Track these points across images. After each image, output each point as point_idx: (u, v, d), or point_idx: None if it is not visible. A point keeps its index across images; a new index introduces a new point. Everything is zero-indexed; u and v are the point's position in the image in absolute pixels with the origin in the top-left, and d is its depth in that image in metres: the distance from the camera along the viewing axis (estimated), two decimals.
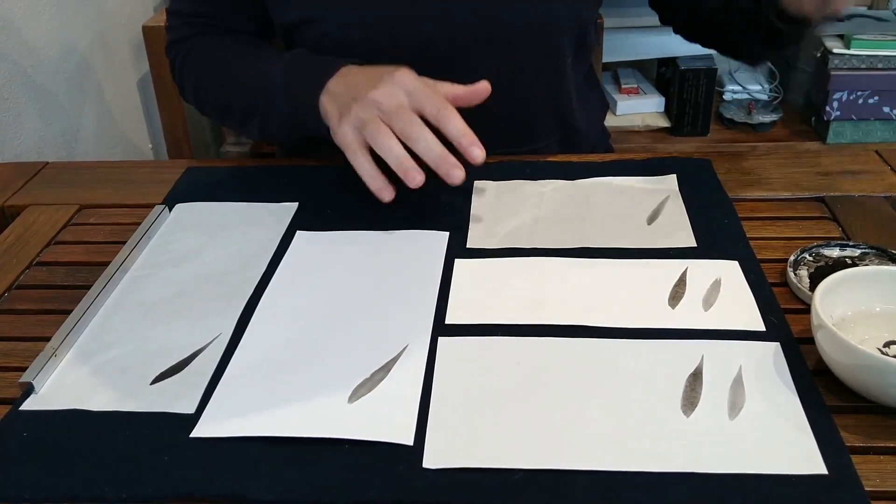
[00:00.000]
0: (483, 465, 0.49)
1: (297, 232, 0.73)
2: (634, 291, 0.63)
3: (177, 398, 0.55)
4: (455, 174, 0.66)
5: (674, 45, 1.69)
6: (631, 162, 0.81)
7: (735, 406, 0.52)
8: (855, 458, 0.48)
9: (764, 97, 1.80)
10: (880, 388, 0.50)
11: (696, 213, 0.72)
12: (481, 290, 0.64)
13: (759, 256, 0.66)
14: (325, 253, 0.69)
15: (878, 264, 0.64)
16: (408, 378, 0.55)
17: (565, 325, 0.59)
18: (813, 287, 0.60)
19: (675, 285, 0.63)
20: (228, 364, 0.58)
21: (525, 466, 0.48)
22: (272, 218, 0.75)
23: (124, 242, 0.71)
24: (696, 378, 0.54)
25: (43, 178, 0.85)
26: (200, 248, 0.71)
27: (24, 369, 0.57)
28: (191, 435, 0.52)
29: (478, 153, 0.67)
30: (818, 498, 0.46)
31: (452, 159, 0.67)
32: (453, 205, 0.73)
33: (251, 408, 0.54)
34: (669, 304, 0.61)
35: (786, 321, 0.59)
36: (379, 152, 0.68)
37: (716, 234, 0.69)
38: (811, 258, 0.65)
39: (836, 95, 1.64)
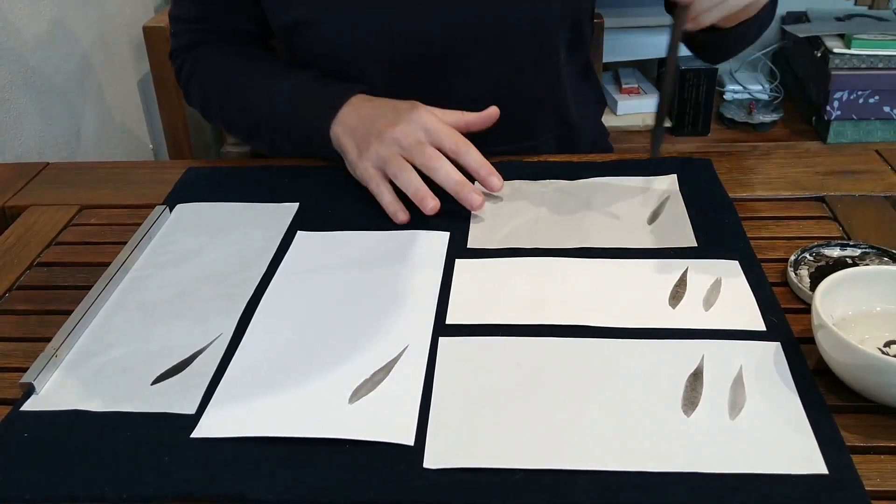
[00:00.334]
0: (483, 465, 0.49)
1: (298, 232, 0.73)
2: (635, 291, 0.63)
3: (177, 399, 0.55)
4: (474, 199, 0.72)
5: None
6: (631, 162, 0.81)
7: (735, 406, 0.52)
8: (855, 458, 0.48)
9: (764, 97, 1.80)
10: (881, 388, 0.50)
11: (696, 212, 0.72)
12: (482, 291, 0.64)
13: (759, 256, 0.66)
14: (325, 253, 0.69)
15: (878, 264, 0.64)
16: (408, 378, 0.55)
17: (566, 325, 0.59)
18: (813, 287, 0.60)
19: (676, 285, 0.63)
20: (229, 364, 0.58)
21: (525, 466, 0.48)
22: (273, 218, 0.75)
23: (125, 243, 0.71)
24: (696, 378, 0.54)
25: (44, 178, 0.85)
26: (201, 249, 0.71)
27: (24, 370, 0.57)
28: (191, 435, 0.52)
29: (496, 182, 0.73)
30: (819, 498, 0.46)
31: (471, 185, 0.72)
32: (454, 205, 0.73)
33: (252, 408, 0.54)
34: (670, 304, 0.61)
35: (786, 321, 0.59)
36: (399, 185, 0.72)
37: (716, 233, 0.69)
38: (812, 258, 0.65)
39: (837, 95, 1.64)
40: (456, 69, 0.82)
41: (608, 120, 1.64)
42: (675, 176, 0.78)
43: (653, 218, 0.72)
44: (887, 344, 0.55)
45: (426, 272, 0.66)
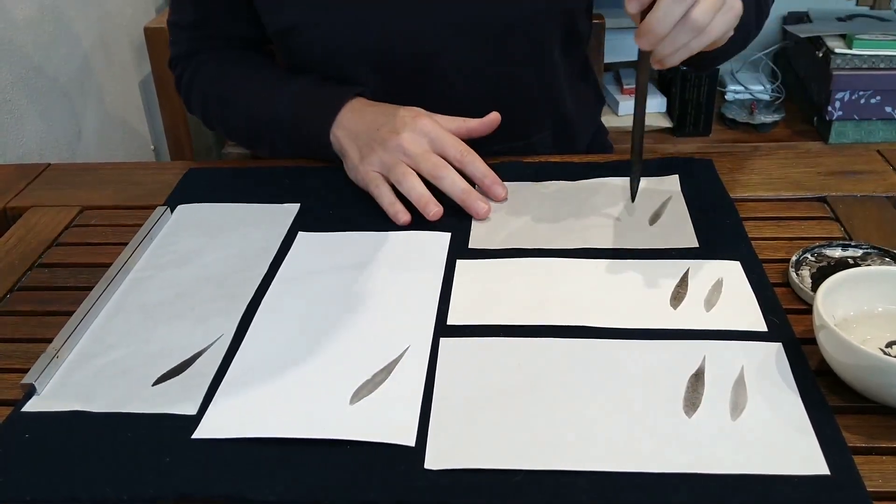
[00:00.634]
0: (484, 465, 0.49)
1: (299, 233, 0.73)
2: (636, 292, 0.63)
3: (178, 399, 0.55)
4: (480, 207, 0.73)
5: None
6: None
7: (737, 407, 0.52)
8: (857, 459, 0.48)
9: (766, 97, 1.80)
10: (882, 389, 0.50)
11: (697, 213, 0.72)
12: (483, 291, 0.64)
13: (760, 256, 0.66)
14: (326, 254, 0.69)
15: (879, 264, 0.64)
16: (409, 379, 0.55)
17: (567, 326, 0.59)
18: (815, 287, 0.60)
19: (677, 286, 0.63)
20: (230, 365, 0.58)
21: (526, 467, 0.48)
22: (273, 219, 0.75)
23: (126, 244, 0.71)
24: (697, 378, 0.54)
25: (45, 179, 0.85)
26: (202, 250, 0.71)
27: (25, 371, 0.57)
28: (192, 436, 0.52)
29: (500, 191, 0.75)
30: (820, 498, 0.46)
31: (476, 193, 0.74)
32: (455, 205, 0.73)
33: (253, 409, 0.54)
34: (671, 305, 0.61)
35: (788, 321, 0.59)
36: (402, 190, 0.73)
37: (718, 234, 0.69)
38: (813, 258, 0.65)
39: (838, 95, 1.64)
40: (451, 69, 0.82)
41: (609, 120, 1.65)
42: (676, 176, 0.78)
43: (654, 218, 0.72)
44: (889, 344, 0.55)
45: (427, 273, 0.66)
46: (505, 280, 0.65)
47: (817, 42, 1.68)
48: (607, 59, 1.62)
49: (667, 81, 1.77)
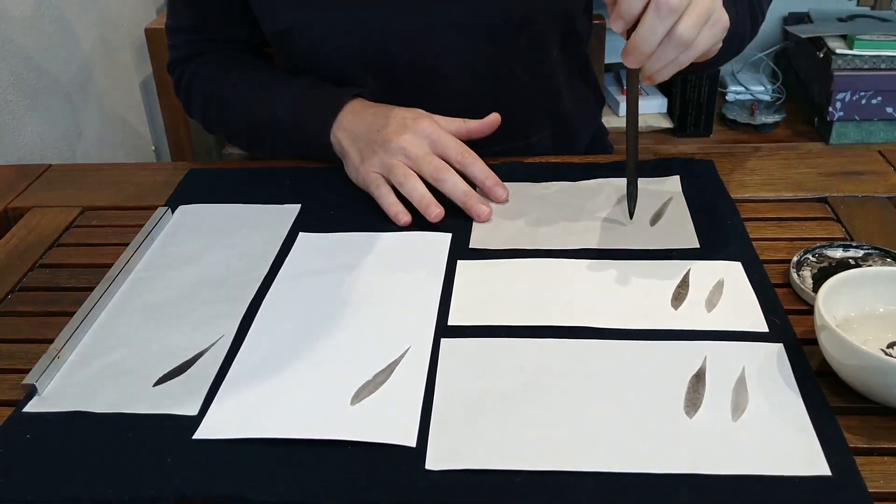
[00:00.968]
0: (485, 466, 0.49)
1: (300, 234, 0.73)
2: (637, 292, 0.63)
3: (179, 400, 0.55)
4: (482, 209, 0.73)
5: None
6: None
7: (738, 407, 0.52)
8: (858, 460, 0.48)
9: (766, 98, 1.80)
10: (884, 390, 0.50)
11: (698, 213, 0.72)
12: (484, 292, 0.64)
13: (761, 257, 0.66)
14: (327, 255, 0.69)
15: (881, 265, 0.64)
16: (410, 380, 0.55)
17: (568, 327, 0.59)
18: (816, 288, 0.60)
19: (678, 286, 0.63)
20: (231, 366, 0.58)
21: (527, 468, 0.48)
22: (274, 220, 0.75)
23: (127, 244, 0.71)
24: (698, 379, 0.54)
25: (46, 180, 0.85)
26: (203, 250, 0.71)
27: (27, 371, 0.57)
28: (193, 436, 0.52)
29: (501, 193, 0.75)
30: (821, 499, 0.46)
31: (477, 196, 0.74)
32: (456, 206, 0.73)
33: (254, 410, 0.54)
34: (672, 305, 0.61)
35: (789, 322, 0.59)
36: (403, 192, 0.73)
37: (719, 234, 0.69)
38: (814, 259, 0.65)
39: (839, 96, 1.64)
40: (449, 69, 0.82)
41: (610, 121, 1.64)
42: (677, 177, 0.78)
43: (655, 219, 0.72)
44: (890, 345, 0.55)
45: (428, 273, 0.66)
46: (506, 281, 0.65)
47: (818, 42, 1.68)
48: (608, 60, 1.62)
49: (667, 82, 1.77)
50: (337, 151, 0.80)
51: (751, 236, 0.69)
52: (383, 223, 0.73)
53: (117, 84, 1.42)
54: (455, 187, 0.73)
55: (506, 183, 0.76)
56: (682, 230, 0.70)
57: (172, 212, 0.77)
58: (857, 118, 1.66)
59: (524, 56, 0.85)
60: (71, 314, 0.62)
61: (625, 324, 0.59)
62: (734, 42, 0.74)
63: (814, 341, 0.55)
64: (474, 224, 0.73)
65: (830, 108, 1.65)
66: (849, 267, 0.63)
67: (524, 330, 0.59)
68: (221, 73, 0.88)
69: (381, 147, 0.75)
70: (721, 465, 0.48)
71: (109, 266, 0.68)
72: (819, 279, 0.62)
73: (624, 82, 1.81)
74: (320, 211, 0.76)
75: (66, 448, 0.51)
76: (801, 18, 1.82)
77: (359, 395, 0.54)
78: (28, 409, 0.55)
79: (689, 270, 0.65)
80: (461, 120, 0.78)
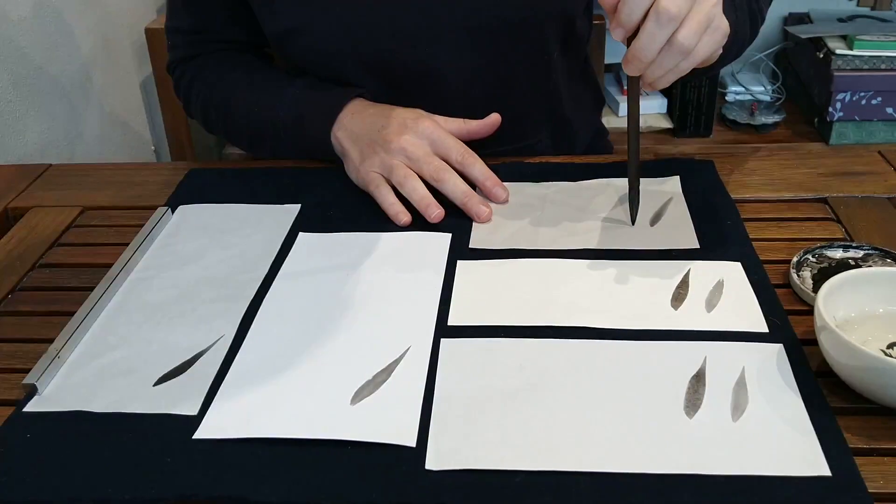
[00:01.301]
0: (485, 466, 0.49)
1: (300, 234, 0.73)
2: (637, 293, 0.63)
3: (180, 400, 0.55)
4: (482, 210, 0.73)
5: None
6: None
7: (738, 408, 0.52)
8: (858, 460, 0.48)
9: (766, 98, 1.80)
10: (883, 390, 0.50)
11: (698, 214, 0.72)
12: (483, 292, 0.64)
13: (761, 258, 0.66)
14: (327, 255, 0.69)
15: (881, 265, 0.64)
16: (410, 380, 0.55)
17: (568, 327, 0.59)
18: (816, 288, 0.60)
19: (678, 286, 0.63)
20: (231, 366, 0.58)
21: (527, 468, 0.48)
22: (274, 220, 0.75)
23: (127, 244, 0.71)
24: (698, 380, 0.54)
25: (46, 180, 0.85)
26: (203, 250, 0.71)
27: (27, 371, 0.57)
28: (193, 436, 0.52)
29: (501, 194, 0.75)
30: (821, 500, 0.46)
31: (478, 197, 0.74)
32: (455, 206, 0.73)
33: (254, 409, 0.54)
34: (672, 306, 0.61)
35: (789, 323, 0.59)
36: (403, 192, 0.73)
37: (719, 235, 0.69)
38: (814, 259, 0.65)
39: (839, 96, 1.64)
40: (449, 71, 0.82)
41: (610, 121, 1.64)
42: (677, 178, 0.78)
43: (655, 219, 0.72)
44: (890, 346, 0.55)
45: (428, 273, 0.66)
46: (506, 281, 0.65)
47: (818, 43, 1.68)
48: (608, 60, 1.62)
49: None
50: (337, 151, 0.80)
51: (751, 237, 0.69)
52: (383, 223, 0.73)
53: (117, 84, 1.42)
54: (455, 188, 0.73)
55: (506, 183, 0.76)
56: (682, 230, 0.70)
57: (172, 212, 0.77)
58: (857, 118, 1.66)
59: (524, 58, 0.85)
60: (71, 314, 0.62)
61: (624, 324, 0.59)
62: (734, 46, 0.74)
63: (814, 342, 0.55)
64: (474, 224, 0.73)
65: (830, 109, 1.65)
66: (849, 267, 0.63)
67: (524, 330, 0.59)
68: (222, 73, 0.88)
69: (382, 147, 0.75)
70: (721, 465, 0.48)
71: (109, 266, 0.68)
72: (819, 279, 0.62)
73: (624, 83, 1.81)
74: (320, 211, 0.76)
75: (66, 448, 0.51)
76: (801, 19, 1.82)
77: (359, 395, 0.54)
78: (28, 408, 0.55)
79: (688, 271, 0.65)
80: (461, 120, 0.78)
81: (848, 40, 1.63)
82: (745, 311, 0.60)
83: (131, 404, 0.55)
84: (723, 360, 0.56)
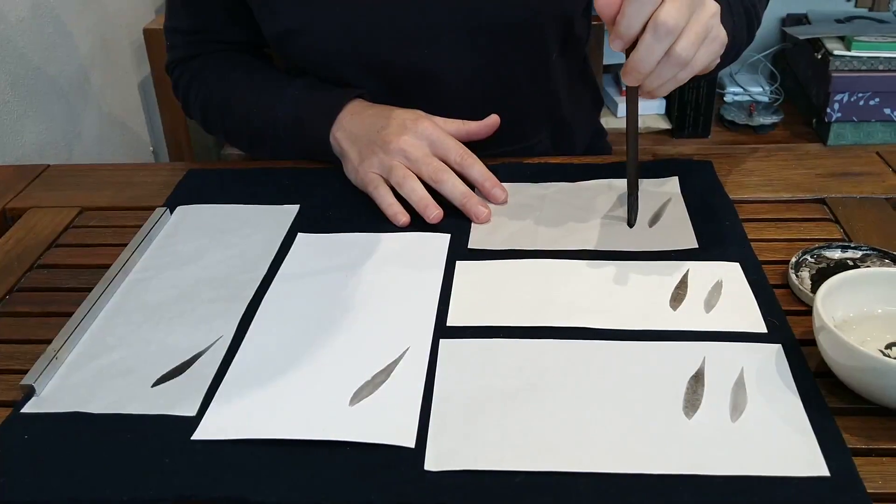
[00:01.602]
0: (485, 467, 0.49)
1: (298, 234, 0.72)
2: (636, 293, 0.63)
3: (178, 401, 0.55)
4: (481, 211, 0.73)
5: None
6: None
7: (737, 408, 0.52)
8: (857, 460, 0.48)
9: (764, 99, 1.80)
10: (882, 390, 0.50)
11: (697, 214, 0.72)
12: (483, 292, 0.64)
13: (760, 258, 0.66)
14: (326, 255, 0.69)
15: (879, 266, 0.64)
16: (409, 380, 0.55)
17: (567, 328, 0.59)
18: (814, 289, 0.60)
19: (677, 287, 0.63)
20: (230, 366, 0.57)
21: (527, 469, 0.48)
22: (273, 220, 0.75)
23: (125, 245, 0.71)
24: (697, 380, 0.54)
25: (44, 180, 0.85)
26: (202, 251, 0.71)
27: (25, 372, 0.57)
28: (192, 437, 0.52)
29: (500, 195, 0.75)
30: (820, 500, 0.46)
31: (477, 198, 0.74)
32: (455, 207, 0.73)
33: (252, 410, 0.54)
34: (671, 306, 0.61)
35: (787, 323, 0.59)
36: (402, 193, 0.73)
37: (717, 235, 0.69)
38: (813, 260, 0.65)
39: (837, 97, 1.64)
40: (448, 72, 0.82)
41: (608, 122, 1.64)
42: (676, 178, 0.78)
43: (654, 220, 0.72)
44: (888, 346, 0.55)
45: (427, 274, 0.66)
46: (505, 281, 0.65)
47: (816, 44, 1.68)
48: (606, 61, 1.62)
49: None
50: (336, 152, 0.80)
51: (749, 237, 0.69)
52: (382, 224, 0.73)
53: (116, 84, 1.42)
54: (454, 189, 0.73)
55: (505, 183, 0.76)
56: (680, 231, 0.70)
57: (171, 212, 0.77)
58: (855, 119, 1.66)
59: (524, 59, 0.85)
60: (69, 314, 0.62)
61: (623, 324, 0.59)
62: (732, 51, 0.74)
63: (812, 342, 0.55)
64: (473, 224, 0.73)
65: (828, 110, 1.66)
66: (847, 268, 0.63)
67: (523, 331, 0.59)
68: (221, 73, 0.88)
69: (381, 148, 0.75)
70: (720, 465, 0.48)
71: (108, 266, 0.68)
72: (817, 280, 0.62)
73: (622, 84, 1.81)
74: (319, 211, 0.76)
75: (64, 449, 0.51)
76: (800, 20, 1.82)
77: (357, 396, 0.54)
78: (26, 409, 0.55)
79: (687, 271, 0.65)
80: (461, 121, 0.78)
81: (846, 41, 1.63)
82: (744, 311, 0.60)
83: (130, 405, 0.54)
84: (722, 360, 0.56)
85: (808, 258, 0.65)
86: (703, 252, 0.67)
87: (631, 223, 0.71)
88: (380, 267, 0.67)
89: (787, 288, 0.63)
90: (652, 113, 1.78)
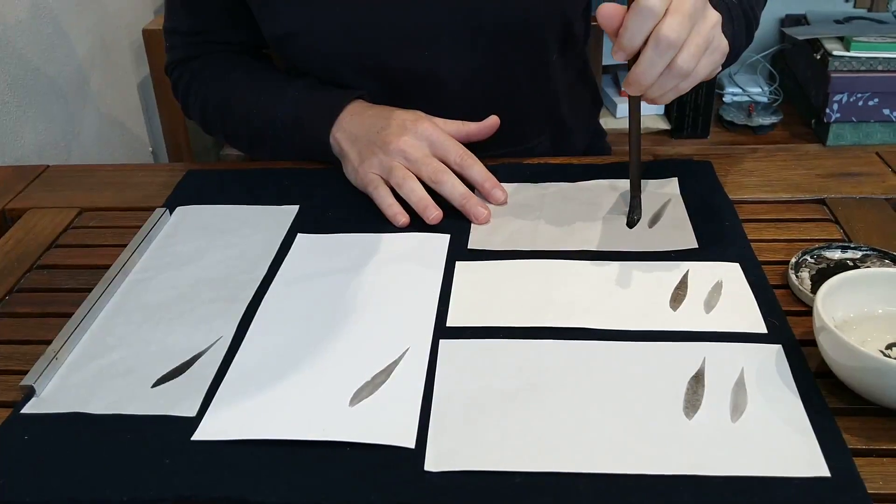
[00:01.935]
0: (485, 468, 0.49)
1: (298, 235, 0.72)
2: (636, 293, 0.63)
3: (178, 401, 0.55)
4: (480, 212, 0.73)
5: None
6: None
7: (737, 408, 0.52)
8: (858, 461, 0.48)
9: (764, 99, 1.81)
10: (882, 391, 0.50)
11: (697, 214, 0.72)
12: (482, 293, 0.64)
13: (760, 258, 0.66)
14: (325, 256, 0.69)
15: (879, 266, 0.64)
16: (409, 381, 0.55)
17: (566, 328, 0.59)
18: (814, 289, 0.60)
19: (677, 287, 0.63)
20: (230, 367, 0.57)
21: (527, 469, 0.48)
22: (273, 221, 0.75)
23: (125, 245, 0.71)
24: (697, 380, 0.54)
25: (43, 181, 0.85)
26: (201, 251, 0.71)
27: (25, 372, 0.57)
28: (192, 438, 0.52)
29: (500, 195, 0.75)
30: (821, 500, 0.46)
31: (476, 199, 0.74)
32: (454, 207, 0.73)
33: (252, 411, 0.54)
34: (671, 307, 0.61)
35: (787, 323, 0.59)
36: (402, 193, 0.73)
37: (717, 236, 0.69)
38: (812, 260, 0.65)
39: (836, 97, 1.64)
40: (447, 73, 0.82)
41: (608, 122, 1.65)
42: (675, 179, 0.78)
43: (654, 220, 0.72)
44: (889, 346, 0.55)
45: (427, 274, 0.66)
46: (504, 282, 0.65)
47: (815, 44, 1.68)
48: (606, 62, 1.63)
49: None
50: (336, 152, 0.80)
51: (749, 237, 0.69)
52: (382, 224, 0.73)
53: (115, 85, 1.42)
54: (453, 189, 0.73)
55: (504, 184, 0.76)
56: (680, 231, 0.70)
57: (171, 213, 0.77)
58: (854, 120, 1.67)
59: (523, 61, 0.85)
60: (69, 315, 0.62)
61: (623, 325, 0.59)
62: (731, 54, 0.74)
63: (812, 342, 0.55)
64: (473, 225, 0.73)
65: (827, 110, 1.66)
66: (847, 268, 0.63)
67: (523, 331, 0.59)
68: (221, 74, 0.88)
69: (381, 148, 0.75)
70: (720, 466, 0.48)
71: (107, 267, 0.68)
72: (817, 280, 0.62)
73: (622, 84, 1.81)
74: (319, 212, 0.76)
75: (64, 449, 0.51)
76: (798, 20, 1.82)
77: (357, 397, 0.54)
78: (26, 410, 0.55)
79: (687, 272, 0.65)
80: (460, 122, 0.78)
81: (845, 42, 1.63)
82: (744, 311, 0.60)
83: (130, 405, 0.54)
84: (722, 360, 0.56)
85: (808, 258, 0.65)
86: (703, 252, 0.67)
87: (633, 223, 0.71)
88: (380, 267, 0.67)
89: (787, 288, 0.63)
90: (651, 113, 1.78)
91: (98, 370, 0.58)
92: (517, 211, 0.74)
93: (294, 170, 0.83)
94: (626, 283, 0.64)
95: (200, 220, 0.76)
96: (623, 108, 1.76)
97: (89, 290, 0.65)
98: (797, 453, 0.49)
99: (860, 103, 1.65)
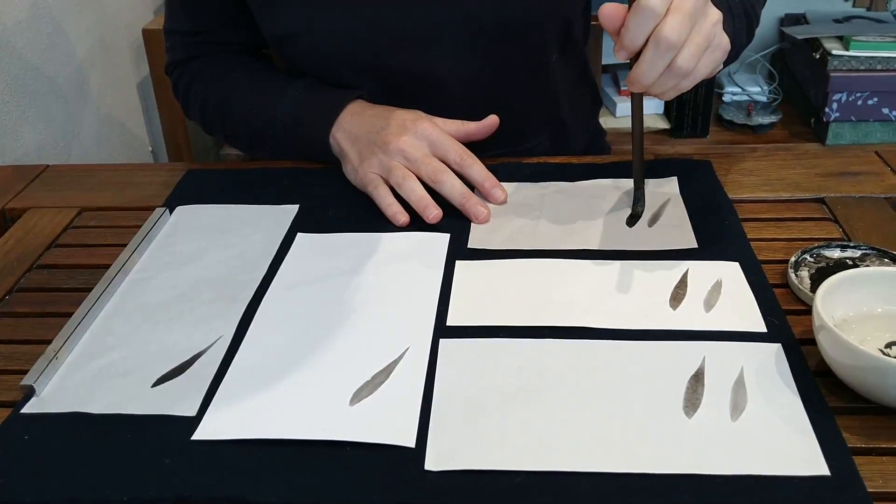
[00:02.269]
0: (485, 467, 0.49)
1: (298, 234, 0.72)
2: (635, 293, 0.63)
3: (178, 401, 0.55)
4: (480, 211, 0.73)
5: None
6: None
7: (737, 407, 0.52)
8: (857, 460, 0.48)
9: (763, 99, 1.81)
10: (882, 389, 0.50)
11: (696, 214, 0.72)
12: (482, 292, 0.64)
13: (759, 257, 0.66)
14: (325, 255, 0.69)
15: (878, 265, 0.64)
16: (409, 380, 0.55)
17: (566, 327, 0.59)
18: (814, 288, 0.60)
19: (677, 286, 0.63)
20: (229, 367, 0.57)
21: (527, 469, 0.48)
22: (273, 220, 0.75)
23: (125, 245, 0.71)
24: (697, 379, 0.54)
25: (43, 181, 0.85)
26: (201, 251, 0.71)
27: (25, 372, 0.57)
28: (192, 437, 0.52)
29: (500, 195, 0.75)
30: (821, 499, 0.46)
31: (476, 198, 0.74)
32: (454, 207, 0.73)
33: (252, 410, 0.54)
34: (671, 306, 0.61)
35: (787, 322, 0.59)
36: (402, 193, 0.73)
37: (717, 235, 0.69)
38: (812, 259, 0.65)
39: (836, 97, 1.64)
40: (447, 74, 0.82)
41: (607, 122, 1.65)
42: (675, 178, 0.78)
43: (653, 220, 0.72)
44: (888, 345, 0.55)
45: (426, 273, 0.66)
46: (504, 281, 0.65)
47: (814, 44, 1.68)
48: (605, 61, 1.63)
49: None
50: (336, 152, 0.80)
51: (748, 237, 0.69)
52: (381, 224, 0.73)
53: (115, 85, 1.42)
54: (453, 189, 0.73)
55: (504, 183, 0.76)
56: (680, 231, 0.70)
57: (170, 212, 0.77)
58: (854, 119, 1.67)
59: (523, 60, 0.85)
60: (69, 315, 0.62)
61: (623, 324, 0.59)
62: (732, 52, 0.74)
63: (812, 341, 0.55)
64: (473, 224, 0.73)
65: (827, 109, 1.66)
66: (846, 267, 0.63)
67: (523, 330, 0.59)
68: (221, 74, 0.88)
69: (380, 148, 0.75)
70: (720, 465, 0.48)
71: (107, 267, 0.68)
72: (817, 279, 0.62)
73: (621, 83, 1.81)
74: (318, 211, 0.76)
75: (64, 449, 0.51)
76: (798, 20, 1.82)
77: (357, 396, 0.54)
78: (26, 410, 0.55)
79: (687, 271, 0.65)
80: (460, 122, 0.78)
81: (844, 41, 1.63)
82: (744, 310, 0.60)
83: (130, 405, 0.54)
84: (721, 359, 0.56)
85: (808, 257, 0.65)
86: (703, 252, 0.67)
87: (637, 215, 0.71)
88: (379, 267, 0.67)
89: (787, 287, 0.63)
90: (650, 113, 1.78)
91: (98, 370, 0.58)
92: (517, 210, 0.74)
93: (294, 170, 0.83)
94: (625, 283, 0.64)
95: (200, 220, 0.76)
96: (623, 107, 1.76)
97: (89, 290, 0.65)
98: (797, 452, 0.49)
99: (859, 102, 1.65)
